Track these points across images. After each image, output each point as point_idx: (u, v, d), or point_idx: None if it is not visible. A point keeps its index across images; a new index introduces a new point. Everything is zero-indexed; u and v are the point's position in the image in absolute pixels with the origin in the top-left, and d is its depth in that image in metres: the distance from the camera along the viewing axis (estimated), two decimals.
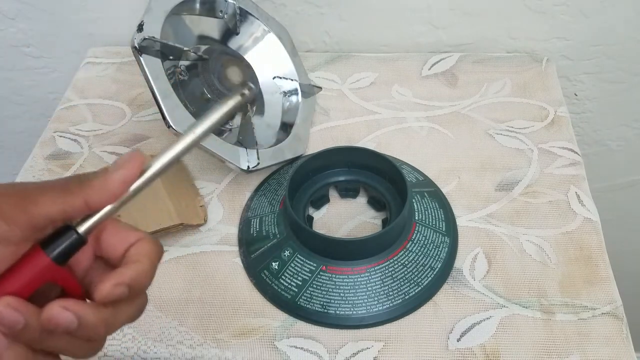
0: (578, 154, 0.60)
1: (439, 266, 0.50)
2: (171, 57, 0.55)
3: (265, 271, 0.50)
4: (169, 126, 0.49)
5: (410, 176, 0.56)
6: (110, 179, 0.29)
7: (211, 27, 0.61)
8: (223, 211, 0.56)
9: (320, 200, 0.56)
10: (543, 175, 0.58)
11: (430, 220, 0.52)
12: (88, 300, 0.30)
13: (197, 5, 0.59)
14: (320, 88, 0.64)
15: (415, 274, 0.49)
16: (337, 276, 0.48)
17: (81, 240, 0.29)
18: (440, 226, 0.52)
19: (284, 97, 0.63)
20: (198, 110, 0.56)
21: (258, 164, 0.55)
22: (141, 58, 0.50)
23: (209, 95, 0.57)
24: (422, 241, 0.51)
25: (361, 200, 0.57)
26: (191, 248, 0.53)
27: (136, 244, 0.30)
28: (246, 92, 0.33)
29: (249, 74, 0.60)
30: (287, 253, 0.50)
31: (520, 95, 0.65)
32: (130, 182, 0.30)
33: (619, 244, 0.63)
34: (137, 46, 0.50)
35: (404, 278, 0.49)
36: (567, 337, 0.46)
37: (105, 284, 0.28)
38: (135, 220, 0.52)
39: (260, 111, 0.62)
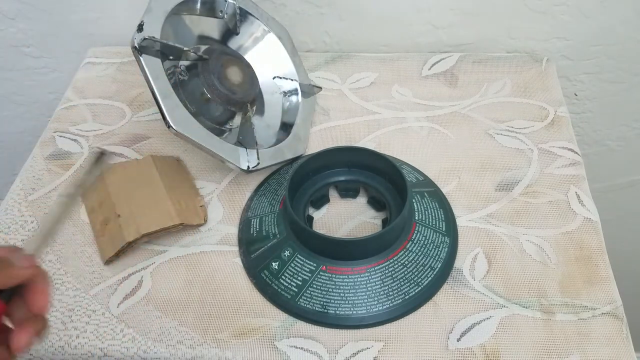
0: (578, 154, 0.59)
1: (439, 266, 0.50)
2: (171, 57, 0.55)
3: (265, 271, 0.50)
4: (169, 126, 0.49)
5: (410, 176, 0.56)
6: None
7: (211, 27, 0.60)
8: (223, 211, 0.56)
9: (320, 200, 0.56)
10: (543, 175, 0.58)
11: (430, 220, 0.52)
12: None
13: (197, 5, 0.59)
14: (320, 88, 0.64)
15: (415, 274, 0.49)
16: (337, 276, 0.48)
17: None
18: (440, 226, 0.52)
19: (284, 97, 0.63)
20: (198, 110, 0.56)
21: (258, 164, 0.55)
22: (141, 58, 0.50)
23: (209, 95, 0.57)
24: (422, 241, 0.51)
25: (361, 200, 0.57)
26: (191, 248, 0.53)
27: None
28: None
29: (249, 73, 0.60)
30: (287, 253, 0.50)
31: (520, 95, 0.65)
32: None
33: (619, 244, 0.63)
34: (137, 46, 0.50)
35: (404, 278, 0.49)
36: (567, 337, 0.46)
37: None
38: (136, 220, 0.52)
39: (260, 111, 0.62)
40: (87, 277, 0.51)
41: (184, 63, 0.57)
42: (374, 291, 0.48)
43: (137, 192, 0.54)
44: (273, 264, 0.50)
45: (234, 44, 0.62)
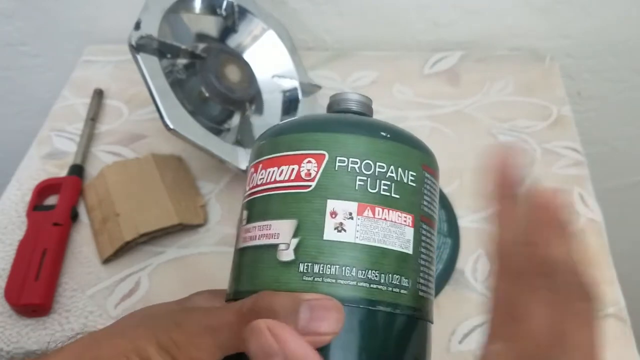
0: (581, 154, 0.59)
1: (440, 268, 0.49)
2: (169, 56, 0.54)
3: None
4: (167, 125, 0.49)
5: None
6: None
7: (209, 25, 0.60)
8: (221, 212, 0.55)
9: None
10: (546, 175, 0.57)
11: None
12: None
13: (195, 3, 0.58)
14: (320, 87, 0.63)
15: None
16: None
17: None
18: (442, 227, 0.52)
19: (284, 96, 0.62)
20: (196, 109, 0.55)
21: None
22: (138, 56, 0.49)
23: (207, 94, 0.56)
24: None
25: None
26: (189, 249, 0.53)
27: None
28: None
29: (247, 72, 0.59)
30: None
31: (523, 94, 0.65)
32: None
33: (622, 245, 0.62)
34: (134, 44, 0.49)
35: None
36: None
37: None
38: (135, 220, 0.51)
39: (259, 110, 0.61)
40: (84, 278, 0.51)
41: (181, 61, 0.56)
42: None
43: (137, 191, 0.54)
44: None
45: (232, 42, 0.61)
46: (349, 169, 0.25)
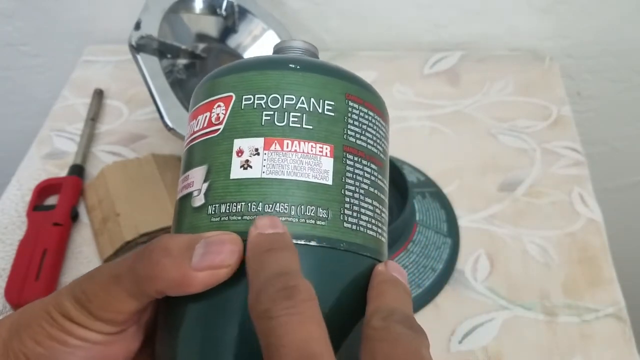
0: (581, 154, 0.59)
1: (440, 267, 0.49)
2: (169, 56, 0.54)
3: None
4: (167, 125, 0.49)
5: (411, 176, 0.56)
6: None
7: (209, 25, 0.60)
8: None
9: None
10: (546, 175, 0.57)
11: (432, 221, 0.52)
12: None
13: (196, 3, 0.58)
14: None
15: (417, 275, 0.48)
16: None
17: None
18: (442, 227, 0.52)
19: None
20: None
21: None
22: (138, 56, 0.49)
23: None
24: (423, 242, 0.50)
25: None
26: None
27: None
28: None
29: None
30: None
31: (523, 94, 0.65)
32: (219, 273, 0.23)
33: (622, 244, 0.62)
34: (135, 44, 0.49)
35: None
36: (570, 339, 0.46)
37: None
38: (136, 220, 0.51)
39: None
40: None
41: (182, 61, 0.56)
42: None
43: (137, 191, 0.54)
44: None
45: (232, 42, 0.61)
46: (255, 106, 0.25)
